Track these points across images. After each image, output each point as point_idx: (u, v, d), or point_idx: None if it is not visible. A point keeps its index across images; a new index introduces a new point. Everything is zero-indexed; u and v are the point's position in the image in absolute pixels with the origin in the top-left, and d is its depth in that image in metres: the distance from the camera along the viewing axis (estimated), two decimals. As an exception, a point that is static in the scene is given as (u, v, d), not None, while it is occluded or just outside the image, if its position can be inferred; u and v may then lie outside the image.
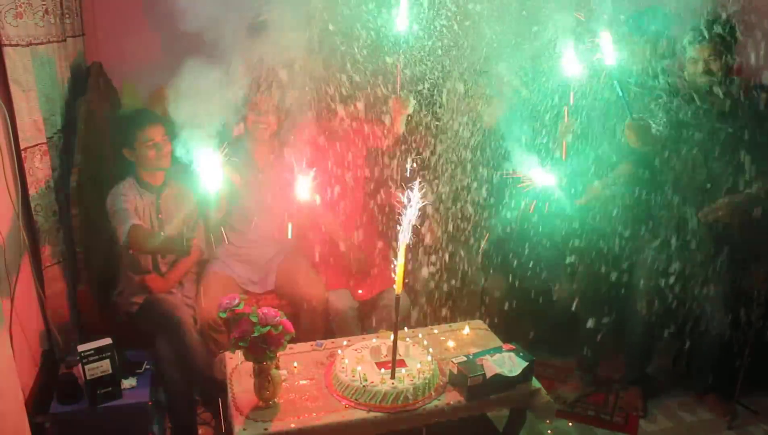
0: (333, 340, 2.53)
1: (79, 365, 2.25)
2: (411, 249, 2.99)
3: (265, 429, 1.97)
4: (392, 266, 2.05)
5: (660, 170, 2.71)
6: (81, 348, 2.26)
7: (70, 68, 2.89)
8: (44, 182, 2.56)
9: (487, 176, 2.96)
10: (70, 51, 2.90)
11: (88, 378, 2.26)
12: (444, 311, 2.99)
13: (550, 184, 2.59)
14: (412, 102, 2.82)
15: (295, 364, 2.30)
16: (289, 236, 2.68)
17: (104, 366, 2.28)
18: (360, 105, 2.91)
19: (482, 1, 2.82)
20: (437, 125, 3.04)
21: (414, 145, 3.01)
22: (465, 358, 2.20)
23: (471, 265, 3.06)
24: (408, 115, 2.86)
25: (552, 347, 3.20)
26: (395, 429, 2.10)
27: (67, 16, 2.85)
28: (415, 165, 2.94)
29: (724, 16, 2.52)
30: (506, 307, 3.00)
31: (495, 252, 3.04)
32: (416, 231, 2.99)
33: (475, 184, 2.98)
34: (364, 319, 2.97)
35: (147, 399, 2.38)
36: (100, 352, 2.27)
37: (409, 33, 2.71)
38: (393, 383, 2.10)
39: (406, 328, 2.59)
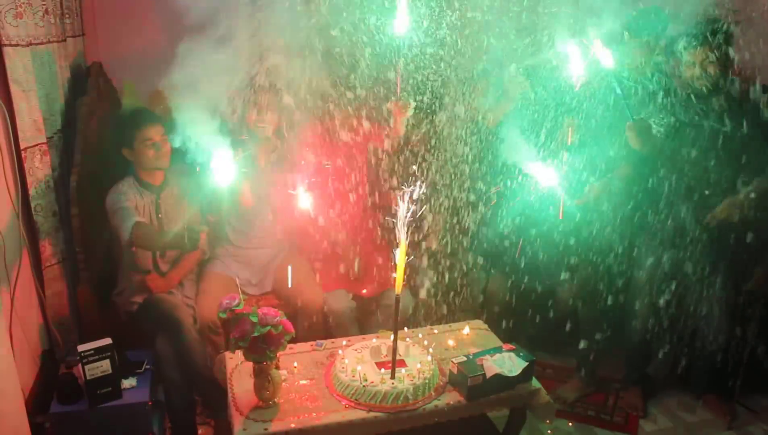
0: (333, 340, 2.53)
1: (79, 365, 2.25)
2: (412, 250, 2.99)
3: (265, 429, 1.97)
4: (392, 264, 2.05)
5: (660, 171, 2.71)
6: (81, 348, 2.26)
7: (70, 68, 2.89)
8: (44, 182, 2.56)
9: (488, 176, 2.96)
10: (70, 51, 2.90)
11: (88, 378, 2.26)
12: (445, 311, 2.99)
13: (552, 185, 2.60)
14: (412, 104, 2.83)
15: (295, 364, 2.30)
16: (290, 285, 2.67)
17: (104, 366, 2.28)
18: (361, 106, 2.92)
19: (482, 6, 2.82)
20: (437, 127, 3.04)
21: (414, 148, 3.00)
22: (465, 358, 2.20)
23: (472, 265, 3.06)
24: (408, 117, 2.86)
25: (552, 347, 3.20)
26: (395, 429, 2.09)
27: (67, 16, 2.85)
28: (415, 166, 2.94)
29: (718, 18, 2.51)
30: (507, 307, 3.01)
31: (496, 252, 3.04)
32: (417, 232, 3.01)
33: (475, 185, 2.99)
34: (362, 319, 2.97)
35: (147, 399, 2.38)
36: (100, 352, 2.27)
37: (408, 36, 2.71)
38: (393, 383, 2.10)
39: (406, 328, 2.59)
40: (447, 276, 3.04)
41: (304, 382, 2.21)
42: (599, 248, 2.82)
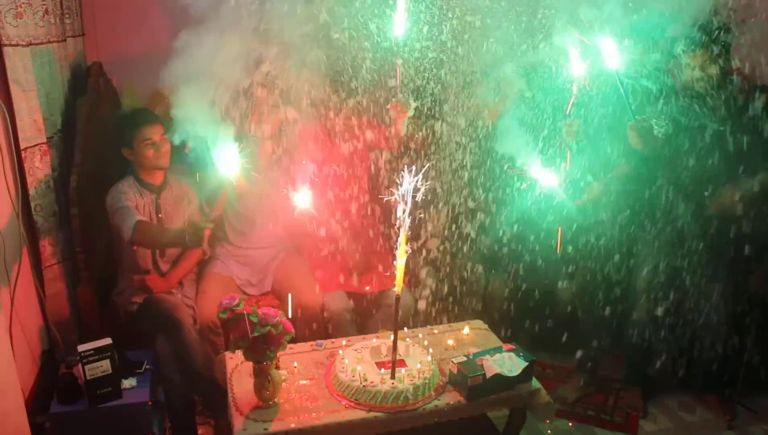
0: (333, 340, 2.53)
1: (79, 365, 2.25)
2: (413, 251, 3.00)
3: (265, 429, 1.97)
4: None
5: (660, 171, 2.71)
6: (81, 348, 2.26)
7: (70, 68, 2.89)
8: (44, 182, 2.56)
9: (489, 177, 2.96)
10: (70, 51, 2.90)
11: (88, 378, 2.26)
12: (446, 311, 2.99)
13: (552, 184, 2.60)
14: (413, 104, 2.83)
15: (295, 364, 2.30)
16: (290, 315, 2.66)
17: (104, 366, 2.28)
18: (362, 107, 2.92)
19: (483, 6, 2.82)
20: (437, 126, 3.04)
21: (414, 147, 3.00)
22: (465, 358, 2.20)
23: (472, 265, 3.06)
24: (409, 117, 2.86)
25: (552, 347, 3.20)
26: (395, 429, 2.09)
27: (67, 16, 2.85)
28: (415, 167, 2.93)
29: (716, 20, 2.51)
30: (507, 307, 3.01)
31: (496, 252, 3.04)
32: (417, 233, 3.01)
33: (475, 185, 2.99)
34: (360, 319, 2.98)
35: (147, 399, 2.38)
36: (100, 352, 2.27)
37: (408, 37, 2.71)
38: (393, 383, 2.10)
39: (406, 328, 2.59)
40: (447, 278, 3.04)
41: (304, 382, 2.21)
42: (599, 249, 2.82)
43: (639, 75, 2.71)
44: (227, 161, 2.35)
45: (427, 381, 2.14)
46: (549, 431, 2.83)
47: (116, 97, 3.25)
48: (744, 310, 2.76)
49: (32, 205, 2.51)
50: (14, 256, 2.37)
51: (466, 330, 2.57)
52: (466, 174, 2.99)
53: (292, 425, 1.99)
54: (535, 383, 2.24)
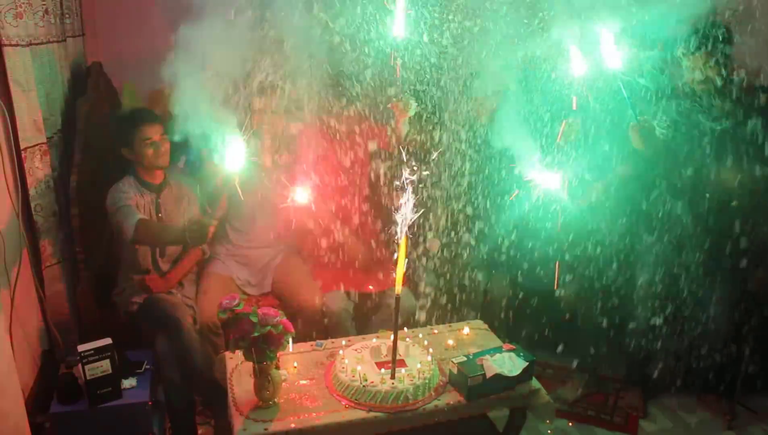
0: (333, 340, 2.53)
1: (79, 365, 2.25)
2: (413, 251, 2.99)
3: (265, 429, 1.97)
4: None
5: (660, 171, 2.71)
6: (81, 348, 2.26)
7: (70, 68, 2.90)
8: (44, 182, 2.57)
9: (490, 177, 2.96)
10: (70, 51, 2.90)
11: (88, 378, 2.26)
12: (445, 311, 2.99)
13: (553, 185, 2.60)
14: (413, 105, 2.83)
15: (295, 364, 2.30)
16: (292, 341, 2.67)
17: (104, 366, 2.28)
18: (363, 107, 2.92)
19: (484, 5, 2.82)
20: (438, 127, 3.04)
21: (414, 149, 3.00)
22: (465, 358, 2.19)
23: (473, 266, 3.06)
24: (409, 117, 2.86)
25: (552, 347, 3.20)
26: (395, 429, 2.09)
27: (67, 16, 2.85)
28: (416, 167, 2.93)
29: (716, 21, 2.51)
30: (508, 307, 3.01)
31: (497, 253, 3.04)
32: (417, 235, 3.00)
33: (477, 185, 2.99)
34: (359, 320, 2.98)
35: (147, 399, 2.38)
36: (100, 352, 2.27)
37: (409, 38, 2.71)
38: (393, 383, 2.10)
39: (406, 328, 2.59)
40: (447, 284, 3.04)
41: (304, 382, 2.21)
42: (599, 250, 2.82)
43: (638, 75, 2.71)
44: (230, 160, 2.35)
45: (427, 381, 2.14)
46: (549, 431, 2.83)
47: (116, 97, 3.25)
48: (744, 311, 2.76)
49: (32, 205, 2.52)
50: (14, 256, 2.37)
51: (466, 330, 2.57)
52: (466, 176, 2.98)
53: (292, 425, 1.99)
54: (535, 383, 2.24)
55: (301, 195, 2.48)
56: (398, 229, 2.02)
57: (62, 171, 2.71)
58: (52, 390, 2.36)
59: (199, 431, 2.69)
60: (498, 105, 2.90)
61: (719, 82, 2.52)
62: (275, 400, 2.08)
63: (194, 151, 2.77)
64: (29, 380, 2.45)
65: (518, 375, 2.17)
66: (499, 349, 2.27)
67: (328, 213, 2.90)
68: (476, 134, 2.96)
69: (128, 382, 2.41)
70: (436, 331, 2.58)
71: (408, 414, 2.08)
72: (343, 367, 2.17)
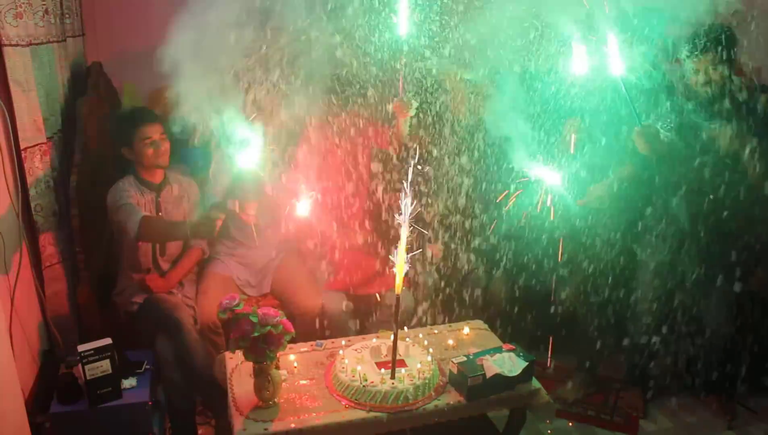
0: (333, 340, 2.53)
1: (79, 365, 2.25)
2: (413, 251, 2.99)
3: (265, 429, 1.97)
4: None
5: (663, 172, 2.70)
6: (81, 348, 2.26)
7: (70, 68, 2.90)
8: (44, 182, 2.57)
9: (490, 178, 2.96)
10: (70, 51, 2.90)
11: (88, 378, 2.26)
12: (446, 311, 2.99)
13: (555, 185, 2.60)
14: (415, 104, 2.83)
15: (295, 364, 2.30)
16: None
17: (104, 366, 2.28)
18: (363, 106, 2.92)
19: (485, 5, 2.83)
20: (438, 128, 3.04)
21: (415, 150, 3.00)
22: (465, 358, 2.20)
23: (473, 266, 3.06)
24: (411, 117, 2.86)
25: (552, 347, 3.20)
26: (395, 429, 2.09)
27: (67, 16, 2.85)
28: (419, 166, 2.94)
29: (721, 23, 2.51)
30: (508, 307, 3.01)
31: (497, 253, 3.04)
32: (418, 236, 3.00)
33: (477, 185, 2.99)
34: (358, 320, 2.98)
35: (147, 399, 2.38)
36: (100, 352, 2.26)
37: (411, 37, 2.71)
38: (393, 383, 2.10)
39: (406, 328, 2.59)
40: (447, 280, 3.03)
41: (304, 382, 2.21)
42: (600, 250, 2.82)
43: (641, 77, 2.71)
44: (234, 158, 2.36)
45: (427, 381, 2.14)
46: (549, 431, 2.83)
47: (116, 97, 3.25)
48: (744, 310, 2.76)
49: (32, 204, 2.51)
50: (14, 256, 2.37)
51: (466, 330, 2.58)
52: (466, 176, 2.99)
53: (292, 425, 1.99)
54: (535, 383, 2.24)
55: (302, 207, 2.48)
56: (398, 230, 2.02)
57: (62, 171, 2.71)
58: (52, 390, 2.36)
59: (199, 431, 2.69)
60: (498, 105, 2.90)
61: (723, 83, 2.52)
62: (275, 400, 2.08)
63: (197, 152, 2.78)
64: (29, 380, 2.45)
65: (518, 375, 2.17)
66: (499, 349, 2.27)
67: (328, 217, 2.90)
68: (477, 134, 2.96)
69: (128, 382, 2.41)
70: (436, 331, 2.58)
71: (408, 414, 2.08)
72: (343, 367, 2.17)
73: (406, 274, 2.09)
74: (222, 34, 2.39)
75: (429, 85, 2.97)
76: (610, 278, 2.85)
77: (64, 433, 2.30)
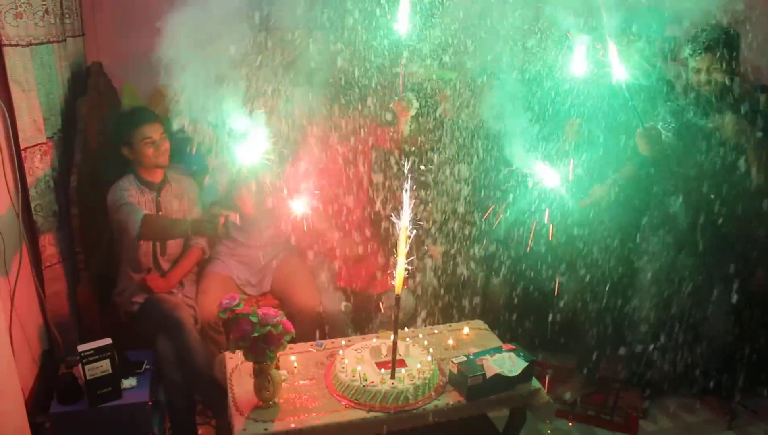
0: (333, 340, 2.53)
1: (79, 365, 2.25)
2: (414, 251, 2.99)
3: (265, 429, 1.97)
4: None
5: (664, 171, 2.71)
6: (81, 348, 2.26)
7: (70, 68, 2.90)
8: (44, 182, 2.57)
9: (490, 178, 2.96)
10: (70, 51, 2.90)
11: (88, 378, 2.26)
12: (445, 311, 2.99)
13: (556, 185, 2.59)
14: (415, 104, 2.82)
15: (295, 364, 2.30)
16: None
17: (104, 366, 2.28)
18: (365, 106, 2.92)
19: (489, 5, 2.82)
20: (439, 129, 3.04)
21: (416, 150, 3.01)
22: (465, 358, 2.19)
23: (473, 266, 3.06)
24: (411, 117, 2.86)
25: (552, 347, 3.20)
26: (395, 429, 2.09)
27: (67, 16, 2.85)
28: (422, 166, 2.94)
29: (724, 23, 2.51)
30: (508, 307, 3.01)
31: (497, 253, 3.04)
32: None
33: (477, 185, 2.99)
34: (357, 321, 2.98)
35: (147, 399, 2.38)
36: (100, 352, 2.27)
37: (411, 37, 2.71)
38: (393, 383, 2.10)
39: (406, 328, 2.59)
40: (447, 280, 3.03)
41: (304, 382, 2.21)
42: (601, 251, 2.82)
43: (642, 77, 2.71)
44: (237, 157, 2.35)
45: (427, 381, 2.14)
46: (549, 431, 2.83)
47: (116, 97, 3.25)
48: (745, 310, 2.76)
49: (32, 204, 2.51)
50: (14, 256, 2.37)
51: (466, 330, 2.57)
52: (466, 176, 2.99)
53: (292, 425, 1.99)
54: (535, 383, 2.24)
55: (300, 206, 2.48)
56: (398, 230, 2.02)
57: (62, 171, 2.71)
58: (52, 390, 2.36)
59: (199, 431, 2.69)
60: (499, 105, 2.90)
61: (724, 82, 2.52)
62: (275, 400, 2.08)
63: (197, 156, 2.78)
64: (29, 380, 2.45)
65: (518, 375, 2.17)
66: (499, 349, 2.27)
67: (327, 216, 2.90)
68: (477, 134, 2.96)
69: (128, 382, 2.41)
70: (436, 331, 2.58)
71: (408, 414, 2.08)
72: (343, 367, 2.17)
73: (406, 276, 2.09)
74: (222, 35, 2.39)
75: (426, 87, 2.98)
76: (609, 283, 2.85)
77: (64, 433, 2.30)
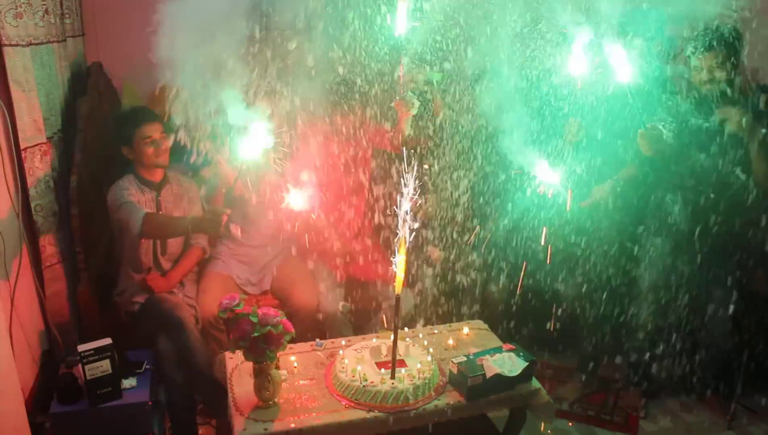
0: (333, 340, 2.53)
1: (79, 365, 2.25)
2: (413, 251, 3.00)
3: (265, 429, 1.97)
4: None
5: (665, 173, 2.70)
6: (81, 348, 2.26)
7: (70, 68, 2.90)
8: (44, 182, 2.57)
9: (490, 178, 2.96)
10: (70, 51, 2.90)
11: (88, 378, 2.26)
12: (445, 311, 2.99)
13: (557, 186, 2.59)
14: (416, 103, 2.82)
15: (295, 364, 2.30)
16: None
17: (104, 366, 2.28)
18: (366, 106, 2.92)
19: (487, 5, 2.82)
20: (439, 129, 3.04)
21: (417, 151, 3.01)
22: (465, 358, 2.20)
23: (473, 266, 3.06)
24: (412, 117, 2.86)
25: (552, 347, 3.20)
26: (395, 429, 2.09)
27: (67, 16, 2.85)
28: (425, 166, 2.94)
29: (726, 23, 2.51)
30: (507, 307, 3.01)
31: (497, 253, 3.04)
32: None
33: (477, 185, 2.99)
34: (355, 321, 2.98)
35: (147, 399, 2.38)
36: (100, 352, 2.27)
37: (411, 36, 2.71)
38: (393, 383, 2.10)
39: (406, 328, 2.59)
40: (447, 280, 3.03)
41: (304, 382, 2.21)
42: (602, 252, 2.82)
43: (644, 76, 2.71)
44: (237, 154, 2.35)
45: (427, 381, 2.14)
46: (549, 431, 2.83)
47: (116, 97, 3.25)
48: (745, 310, 2.76)
49: (32, 205, 2.51)
50: (14, 256, 2.37)
51: (466, 330, 2.57)
52: (466, 176, 2.98)
53: (292, 425, 1.99)
54: (535, 383, 2.24)
55: (297, 199, 2.48)
56: (398, 229, 2.02)
57: (62, 171, 2.71)
58: (52, 390, 2.36)
59: (200, 431, 2.69)
60: (499, 105, 2.90)
61: (726, 82, 2.52)
62: (275, 400, 2.08)
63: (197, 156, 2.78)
64: (29, 380, 2.44)
65: (518, 375, 2.17)
66: (499, 349, 2.27)
67: (327, 213, 2.90)
68: (477, 134, 2.96)
69: (128, 382, 2.41)
70: (436, 331, 2.58)
71: (408, 414, 2.08)
72: (343, 367, 2.17)
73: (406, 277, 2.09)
74: (222, 34, 2.39)
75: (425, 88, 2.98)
76: (607, 290, 2.85)
77: (64, 433, 2.30)
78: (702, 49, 2.51)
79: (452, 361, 2.20)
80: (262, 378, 2.04)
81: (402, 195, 1.99)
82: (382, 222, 3.00)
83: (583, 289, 2.90)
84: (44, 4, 2.55)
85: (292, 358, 2.33)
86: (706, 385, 2.94)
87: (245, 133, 2.76)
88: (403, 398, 2.08)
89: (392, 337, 2.13)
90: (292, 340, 2.12)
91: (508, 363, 2.19)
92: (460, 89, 2.98)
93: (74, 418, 2.30)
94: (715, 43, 2.47)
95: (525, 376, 2.20)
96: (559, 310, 2.96)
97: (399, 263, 2.03)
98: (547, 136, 2.82)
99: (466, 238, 2.98)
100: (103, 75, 3.10)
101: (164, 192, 2.77)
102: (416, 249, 2.99)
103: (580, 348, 3.06)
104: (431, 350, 2.35)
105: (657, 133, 2.55)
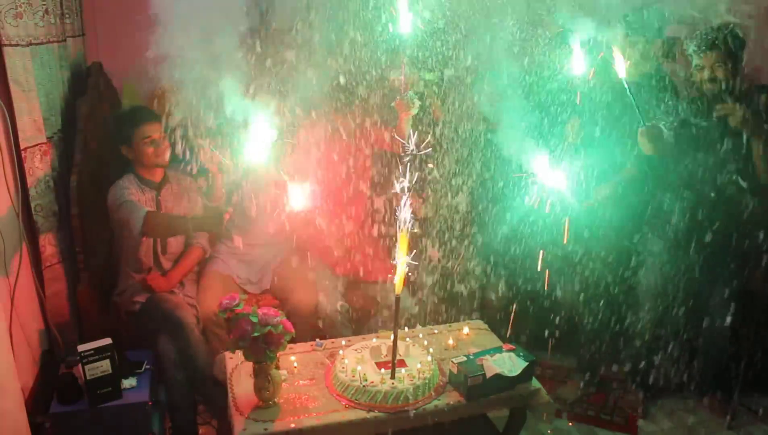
0: (333, 340, 2.53)
1: (79, 365, 2.25)
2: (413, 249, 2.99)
3: (265, 429, 1.97)
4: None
5: (665, 172, 2.70)
6: (81, 348, 2.26)
7: (70, 68, 2.89)
8: (44, 182, 2.57)
9: (491, 178, 2.96)
10: (70, 51, 2.90)
11: (88, 378, 2.26)
12: (445, 311, 2.99)
13: (558, 186, 2.59)
14: (417, 103, 2.82)
15: (295, 364, 2.30)
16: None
17: (104, 366, 2.28)
18: (366, 106, 2.92)
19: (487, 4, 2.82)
20: (440, 129, 3.04)
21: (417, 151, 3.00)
22: (465, 358, 2.20)
23: (473, 266, 3.06)
24: (413, 116, 2.86)
25: (552, 347, 3.20)
26: (395, 429, 2.09)
27: (67, 16, 2.85)
28: (427, 165, 2.94)
29: (729, 22, 2.51)
30: (507, 307, 3.01)
31: (498, 253, 3.04)
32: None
33: (478, 186, 2.99)
34: (355, 321, 2.98)
35: (147, 399, 2.38)
36: (100, 352, 2.27)
37: (413, 35, 2.71)
38: (393, 383, 2.10)
39: (406, 328, 2.59)
40: (447, 280, 3.03)
41: (304, 382, 2.21)
42: (602, 253, 2.82)
43: (644, 75, 2.71)
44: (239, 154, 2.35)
45: (427, 381, 2.14)
46: (549, 431, 2.83)
47: (116, 97, 3.25)
48: (745, 310, 2.76)
49: (32, 204, 2.51)
50: (14, 256, 2.37)
51: (466, 330, 2.57)
52: (466, 177, 2.99)
53: (292, 425, 1.99)
54: (535, 383, 2.24)
55: (298, 199, 2.48)
56: (398, 229, 2.02)
57: (62, 171, 2.71)
58: (52, 390, 2.36)
59: (200, 431, 2.69)
60: (500, 105, 2.90)
61: (727, 81, 2.52)
62: (275, 400, 2.08)
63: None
64: (29, 380, 2.44)
65: (518, 375, 2.17)
66: (499, 349, 2.27)
67: (328, 213, 2.90)
68: (477, 134, 2.96)
69: (128, 382, 2.41)
70: (436, 331, 2.58)
71: (408, 414, 2.08)
72: (343, 367, 2.17)
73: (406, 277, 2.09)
74: (223, 35, 2.39)
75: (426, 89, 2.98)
76: (606, 297, 2.85)
77: (64, 433, 2.30)
78: (704, 48, 2.51)
79: (452, 361, 2.20)
80: (262, 378, 2.04)
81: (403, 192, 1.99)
82: (382, 228, 3.01)
83: (581, 300, 2.90)
84: (44, 4, 2.55)
85: (292, 358, 2.33)
86: (703, 393, 2.94)
87: (245, 131, 2.76)
88: (403, 398, 2.08)
89: (392, 337, 2.13)
90: (292, 340, 2.12)
91: (508, 363, 2.19)
92: (459, 93, 2.98)
93: (74, 418, 2.30)
94: (717, 42, 2.47)
95: (525, 376, 2.20)
96: (558, 317, 2.97)
97: (398, 265, 2.03)
98: (548, 138, 2.82)
99: (465, 242, 2.98)
100: (103, 75, 3.10)
101: (164, 191, 2.77)
102: (416, 253, 2.98)
103: (580, 353, 3.06)
104: (431, 350, 2.35)
105: (657, 131, 2.55)
